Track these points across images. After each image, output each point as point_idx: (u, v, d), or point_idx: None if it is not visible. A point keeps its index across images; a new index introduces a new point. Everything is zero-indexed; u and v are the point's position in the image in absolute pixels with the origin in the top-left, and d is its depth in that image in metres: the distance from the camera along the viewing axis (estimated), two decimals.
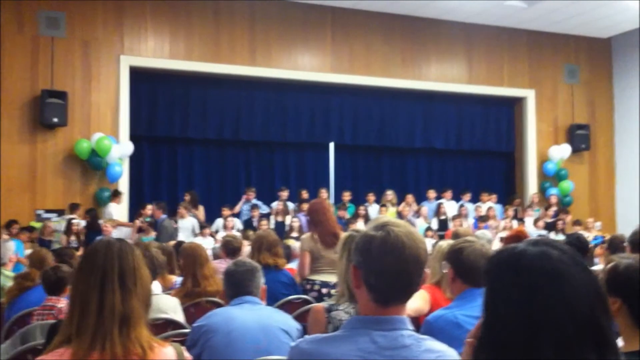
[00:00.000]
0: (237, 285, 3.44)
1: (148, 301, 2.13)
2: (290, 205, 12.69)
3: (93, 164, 11.48)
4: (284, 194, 12.68)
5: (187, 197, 12.05)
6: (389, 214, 12.31)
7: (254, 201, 12.57)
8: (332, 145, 14.18)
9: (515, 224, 12.76)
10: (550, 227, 13.03)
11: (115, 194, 11.51)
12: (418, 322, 3.84)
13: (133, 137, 12.07)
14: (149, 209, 11.33)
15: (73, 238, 10.55)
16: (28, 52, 11.42)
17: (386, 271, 1.88)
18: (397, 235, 1.89)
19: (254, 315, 3.31)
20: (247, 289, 3.42)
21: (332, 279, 5.38)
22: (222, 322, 3.26)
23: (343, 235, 3.43)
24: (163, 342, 2.06)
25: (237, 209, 12.46)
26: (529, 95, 15.04)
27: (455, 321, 2.86)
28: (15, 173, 11.21)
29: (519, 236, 5.31)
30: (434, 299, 3.99)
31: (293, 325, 3.42)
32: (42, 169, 11.42)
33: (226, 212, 11.96)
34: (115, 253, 2.10)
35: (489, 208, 13.35)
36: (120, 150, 11.60)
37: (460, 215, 12.92)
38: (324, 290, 5.53)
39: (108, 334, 1.97)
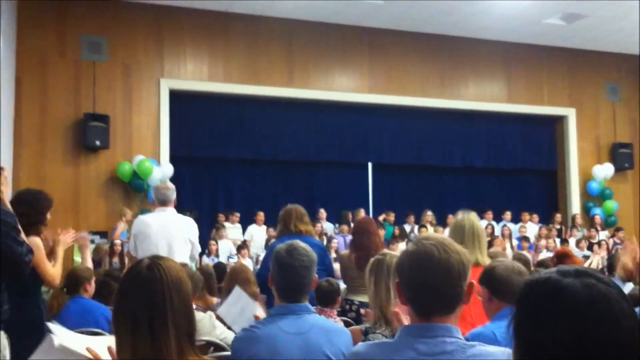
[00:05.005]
0: (290, 283, 2.88)
1: (191, 322, 1.98)
2: (329, 226, 12.67)
3: (135, 186, 11.64)
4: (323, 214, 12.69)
5: (222, 218, 12.20)
6: None
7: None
8: (370, 165, 14.16)
9: (558, 243, 12.59)
10: (593, 247, 12.79)
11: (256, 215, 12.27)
12: None
13: (173, 159, 12.20)
14: None
15: (115, 260, 10.62)
16: (71, 76, 11.65)
17: (418, 283, 1.93)
18: (425, 247, 1.93)
19: (299, 342, 2.82)
20: (300, 293, 2.89)
21: None
22: (265, 352, 2.79)
23: (371, 260, 3.21)
24: None
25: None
26: (570, 114, 14.87)
27: (493, 337, 2.83)
28: (59, 194, 11.31)
29: (563, 255, 5.21)
30: None
31: (340, 341, 2.94)
32: (85, 191, 11.59)
33: (271, 232, 11.97)
34: (145, 292, 1.93)
35: (542, 227, 13.24)
36: (161, 172, 11.72)
37: (503, 236, 12.76)
38: (362, 311, 5.51)
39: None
